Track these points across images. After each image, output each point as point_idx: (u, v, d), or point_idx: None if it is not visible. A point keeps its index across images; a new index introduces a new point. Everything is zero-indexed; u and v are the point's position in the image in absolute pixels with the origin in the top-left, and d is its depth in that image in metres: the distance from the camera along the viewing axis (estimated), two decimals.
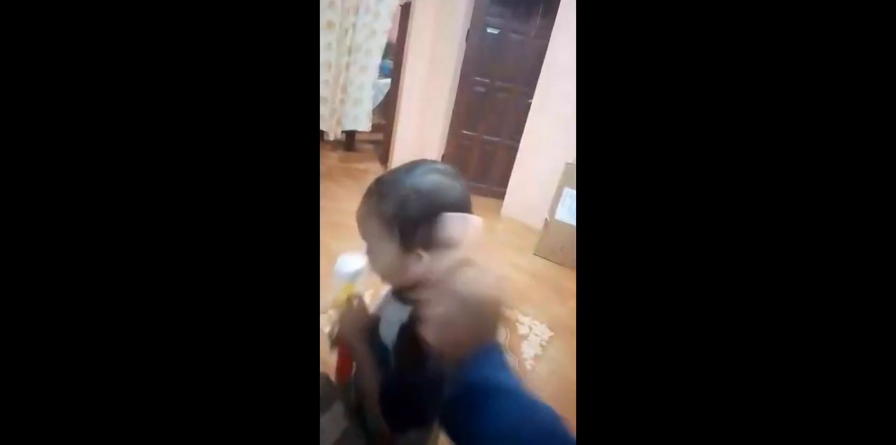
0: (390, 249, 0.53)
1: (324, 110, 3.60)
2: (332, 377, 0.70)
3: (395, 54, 3.74)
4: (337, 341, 0.68)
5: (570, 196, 2.39)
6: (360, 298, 0.69)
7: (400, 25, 3.43)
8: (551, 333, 1.85)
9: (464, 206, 0.53)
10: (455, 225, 0.50)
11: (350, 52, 3.42)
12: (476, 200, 0.55)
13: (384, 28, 3.37)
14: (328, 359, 0.71)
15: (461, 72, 3.23)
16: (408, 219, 0.51)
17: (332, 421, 0.60)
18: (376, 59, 3.46)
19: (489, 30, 3.08)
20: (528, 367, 1.63)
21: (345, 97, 3.65)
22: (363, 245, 0.57)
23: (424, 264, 0.52)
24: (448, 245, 0.49)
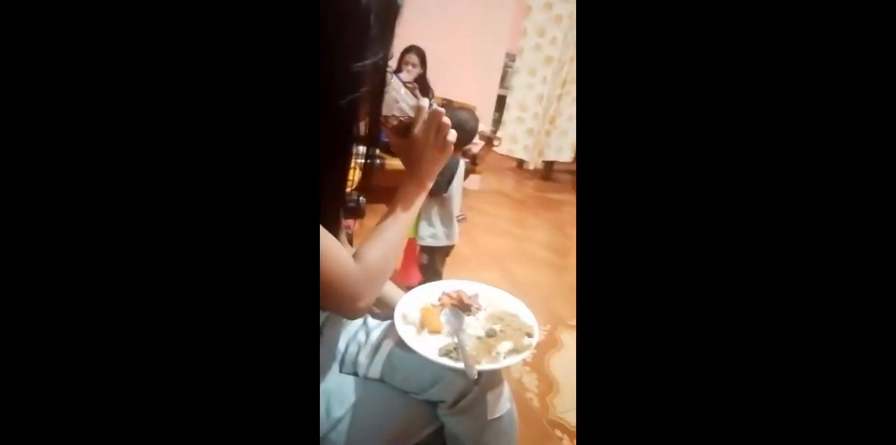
0: None
1: (528, 141, 3.66)
2: None
3: None
4: None
5: None
6: None
7: None
8: None
9: None
10: None
11: (564, 84, 3.48)
12: None
13: None
14: None
15: None
16: None
17: None
18: None
19: None
20: None
21: (551, 128, 3.67)
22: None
23: None
24: None
